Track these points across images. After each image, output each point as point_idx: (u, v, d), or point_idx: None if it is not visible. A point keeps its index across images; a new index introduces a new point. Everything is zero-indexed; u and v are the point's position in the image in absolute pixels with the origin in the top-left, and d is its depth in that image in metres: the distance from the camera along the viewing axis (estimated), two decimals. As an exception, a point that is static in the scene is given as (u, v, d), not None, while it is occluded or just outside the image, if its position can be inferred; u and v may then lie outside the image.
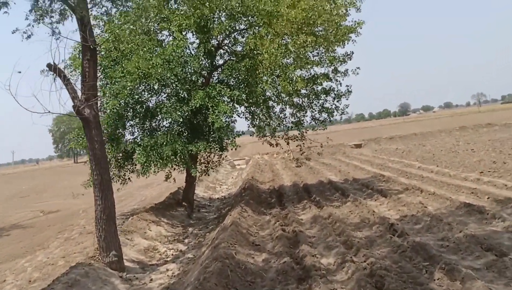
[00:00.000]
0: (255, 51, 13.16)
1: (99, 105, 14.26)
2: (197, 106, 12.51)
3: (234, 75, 13.59)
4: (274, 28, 12.96)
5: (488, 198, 11.18)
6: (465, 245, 7.67)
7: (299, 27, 12.86)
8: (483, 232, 8.39)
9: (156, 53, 12.68)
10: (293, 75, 12.71)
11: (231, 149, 13.76)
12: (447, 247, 7.88)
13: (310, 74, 14.60)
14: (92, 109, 9.24)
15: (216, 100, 12.62)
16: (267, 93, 14.62)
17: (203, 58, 14.20)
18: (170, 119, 13.08)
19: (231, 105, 13.49)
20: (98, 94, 14.17)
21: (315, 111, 15.07)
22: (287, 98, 15.00)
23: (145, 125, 14.30)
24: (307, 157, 15.84)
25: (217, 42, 14.94)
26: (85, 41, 9.10)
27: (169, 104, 13.08)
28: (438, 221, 9.50)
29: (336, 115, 15.21)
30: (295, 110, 15.42)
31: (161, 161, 12.55)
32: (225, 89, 12.92)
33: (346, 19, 13.62)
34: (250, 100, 14.13)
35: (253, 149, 47.48)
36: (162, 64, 12.32)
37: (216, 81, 14.30)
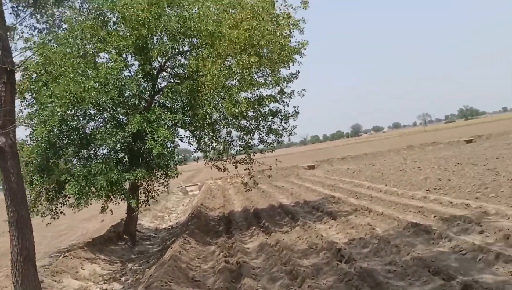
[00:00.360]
0: (198, 73, 12.67)
1: (29, 133, 13.22)
2: (134, 131, 11.75)
3: (175, 98, 12.96)
4: (216, 49, 12.56)
5: (434, 216, 11.08)
6: (413, 269, 7.34)
7: (243, 47, 12.52)
8: (430, 253, 8.13)
9: (90, 76, 11.88)
10: (237, 96, 12.26)
11: (173, 178, 12.98)
12: (395, 272, 7.51)
13: (256, 95, 14.26)
14: (8, 137, 8.27)
15: (155, 125, 11.92)
16: (214, 116, 14.12)
17: (143, 81, 13.57)
18: (105, 146, 12.21)
19: (173, 129, 12.87)
20: (29, 121, 13.16)
21: (263, 133, 14.68)
22: (233, 120, 14.58)
23: (82, 153, 13.28)
24: (255, 181, 15.31)
25: (159, 65, 14.37)
26: (1, 62, 8.23)
27: (104, 130, 12.23)
28: (386, 244, 9.19)
29: (284, 136, 14.88)
30: (242, 133, 14.97)
31: (94, 192, 11.61)
32: (166, 113, 12.26)
33: (290, 40, 13.49)
34: (196, 124, 13.56)
35: (207, 174, 46.53)
36: (96, 87, 11.55)
37: (158, 104, 13.59)
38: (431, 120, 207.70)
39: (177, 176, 12.70)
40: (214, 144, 14.31)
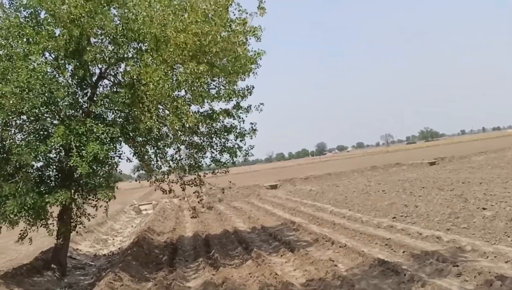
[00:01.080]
0: (142, 81, 11.02)
1: None
2: (57, 145, 9.93)
3: (111, 109, 11.24)
4: (161, 55, 10.98)
5: (403, 252, 9.77)
6: (382, 327, 5.90)
7: (192, 54, 11.01)
8: (401, 304, 6.74)
9: (10, 80, 10.07)
10: (184, 108, 10.60)
11: (106, 201, 11.15)
12: (360, 330, 6.05)
13: (210, 109, 12.74)
14: None
15: (85, 139, 10.15)
16: (160, 131, 12.46)
17: (78, 88, 11.82)
18: (23, 161, 10.27)
19: (109, 145, 11.05)
20: None
21: (215, 151, 13.11)
22: (183, 136, 13.01)
23: (5, 170, 11.24)
24: (208, 205, 13.71)
25: (99, 71, 12.65)
26: None
27: (25, 143, 10.31)
28: (349, 287, 7.75)
29: (240, 156, 13.37)
30: (193, 151, 13.35)
31: (7, 217, 9.65)
32: (99, 125, 10.49)
33: (246, 48, 12.08)
34: (137, 139, 11.85)
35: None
36: (16, 93, 9.75)
37: (94, 116, 11.77)
38: (393, 140, 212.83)
39: (109, 200, 10.84)
40: (159, 162, 12.61)
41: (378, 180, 29.22)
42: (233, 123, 13.06)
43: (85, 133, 10.22)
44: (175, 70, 11.47)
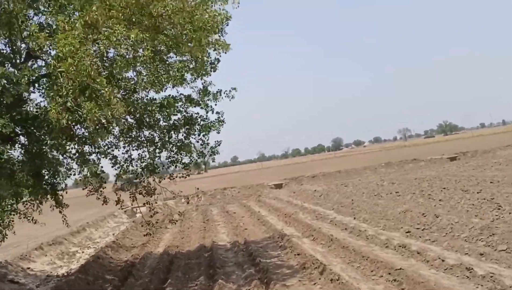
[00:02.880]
0: (60, 55, 8.10)
1: None
2: None
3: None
4: (83, 17, 8.05)
5: (419, 296, 6.68)
6: None
7: (125, 16, 8.06)
8: None
9: None
10: (106, 91, 7.60)
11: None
12: None
13: (166, 96, 9.83)
14: None
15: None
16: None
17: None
18: None
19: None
20: None
21: (173, 150, 10.21)
22: (133, 132, 10.21)
23: None
24: (171, 219, 10.94)
25: (26, 47, 9.96)
26: None
27: None
28: None
29: (206, 156, 10.49)
30: (148, 149, 10.48)
31: None
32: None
33: (208, 10, 9.03)
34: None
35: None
36: None
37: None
38: (411, 135, 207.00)
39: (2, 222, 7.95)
40: (94, 165, 9.73)
41: (391, 179, 25.87)
42: (197, 113, 10.19)
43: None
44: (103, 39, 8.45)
